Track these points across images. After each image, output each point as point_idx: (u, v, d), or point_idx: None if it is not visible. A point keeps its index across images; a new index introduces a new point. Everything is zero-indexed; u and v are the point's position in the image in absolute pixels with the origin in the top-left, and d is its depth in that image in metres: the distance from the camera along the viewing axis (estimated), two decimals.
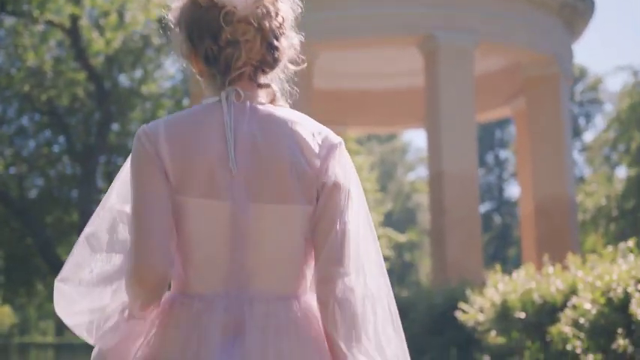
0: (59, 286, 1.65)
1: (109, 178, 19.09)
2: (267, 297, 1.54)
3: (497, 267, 6.48)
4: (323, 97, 16.97)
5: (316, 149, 1.58)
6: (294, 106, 1.72)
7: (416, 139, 69.84)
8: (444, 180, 13.07)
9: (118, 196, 1.68)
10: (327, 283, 1.54)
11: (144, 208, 1.54)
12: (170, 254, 1.54)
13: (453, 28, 13.30)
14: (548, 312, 5.51)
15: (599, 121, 35.10)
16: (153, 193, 1.54)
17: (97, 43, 14.12)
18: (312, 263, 1.60)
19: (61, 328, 29.31)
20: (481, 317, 6.34)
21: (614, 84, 63.56)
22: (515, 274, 6.23)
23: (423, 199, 41.52)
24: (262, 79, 1.63)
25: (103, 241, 1.65)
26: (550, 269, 5.92)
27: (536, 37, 14.25)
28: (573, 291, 5.37)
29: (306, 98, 14.42)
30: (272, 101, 1.65)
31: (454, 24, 13.33)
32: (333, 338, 1.54)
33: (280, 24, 1.62)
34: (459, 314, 7.48)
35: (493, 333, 6.41)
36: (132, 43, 16.00)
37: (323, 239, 1.56)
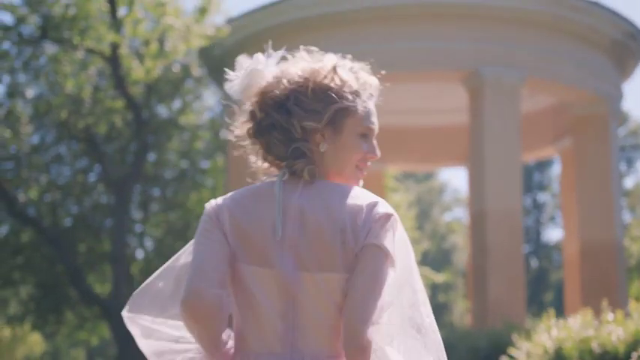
0: (134, 319, 1.86)
1: (144, 208, 18.90)
2: (318, 356, 1.68)
3: (551, 311, 6.03)
4: None
5: (363, 221, 1.69)
6: None
7: (453, 179, 69.31)
8: (486, 219, 12.63)
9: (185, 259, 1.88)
10: (350, 339, 1.61)
11: (201, 249, 1.73)
12: (218, 287, 1.69)
13: (499, 63, 12.95)
14: None
15: None
16: (211, 241, 1.73)
17: (136, 71, 14.00)
18: None
19: (92, 356, 29.05)
20: None
21: None
22: (570, 320, 5.77)
23: (458, 239, 41.26)
24: (301, 161, 1.79)
25: (168, 289, 1.85)
26: (610, 316, 5.46)
27: (585, 75, 13.84)
28: (637, 341, 4.92)
29: None
30: (316, 174, 1.80)
31: (501, 59, 12.99)
32: None
33: (291, 111, 1.82)
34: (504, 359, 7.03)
35: None
36: (171, 74, 15.88)
37: (350, 293, 1.65)
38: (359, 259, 1.67)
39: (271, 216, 1.72)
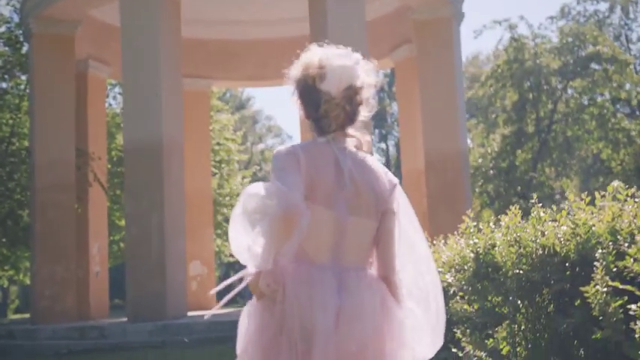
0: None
1: None
2: (353, 267, 2.51)
3: (469, 212, 5.04)
4: (188, 48, 15.06)
5: (387, 186, 2.54)
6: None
7: (267, 106, 68.50)
8: None
9: None
10: (384, 274, 2.55)
11: (290, 172, 2.41)
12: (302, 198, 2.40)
13: None
14: (556, 266, 4.14)
15: None
16: (296, 170, 2.43)
17: None
18: (373, 251, 2.57)
19: None
20: (449, 277, 4.89)
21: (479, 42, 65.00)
22: (492, 224, 4.81)
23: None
24: (350, 131, 2.55)
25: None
26: (541, 213, 4.54)
27: None
28: (589, 237, 4.02)
29: (172, 45, 12.48)
30: (358, 146, 2.57)
31: None
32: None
33: (360, 103, 2.56)
34: None
35: (456, 298, 5.02)
36: None
37: (381, 246, 2.54)
38: (384, 217, 2.53)
39: (332, 172, 2.46)
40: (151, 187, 11.65)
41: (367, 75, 2.54)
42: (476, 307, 4.83)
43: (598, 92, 20.45)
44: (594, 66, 19.54)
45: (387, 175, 2.53)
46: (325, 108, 2.47)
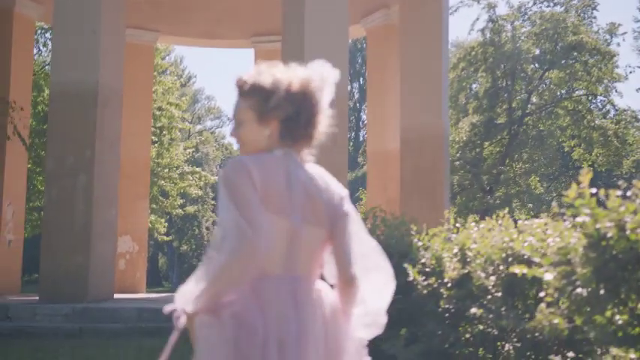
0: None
1: None
2: (305, 277, 2.50)
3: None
4: None
5: (337, 197, 2.53)
6: None
7: (209, 84, 65.98)
8: None
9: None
10: (341, 273, 2.51)
11: (251, 207, 2.35)
12: (264, 235, 2.39)
13: None
14: None
15: None
16: (254, 197, 2.37)
17: None
18: (323, 261, 2.55)
19: None
20: (547, 275, 3.17)
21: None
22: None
23: (209, 150, 43.13)
24: (305, 151, 2.51)
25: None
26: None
27: None
28: None
29: None
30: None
31: None
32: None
33: (319, 122, 2.51)
34: None
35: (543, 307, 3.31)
36: None
37: (339, 249, 2.52)
38: (336, 225, 2.50)
39: (285, 182, 2.42)
40: (79, 141, 9.66)
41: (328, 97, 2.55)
42: (578, 322, 3.11)
43: (575, 86, 19.18)
44: (575, 56, 18.21)
45: (336, 187, 2.58)
46: (318, 117, 2.50)
